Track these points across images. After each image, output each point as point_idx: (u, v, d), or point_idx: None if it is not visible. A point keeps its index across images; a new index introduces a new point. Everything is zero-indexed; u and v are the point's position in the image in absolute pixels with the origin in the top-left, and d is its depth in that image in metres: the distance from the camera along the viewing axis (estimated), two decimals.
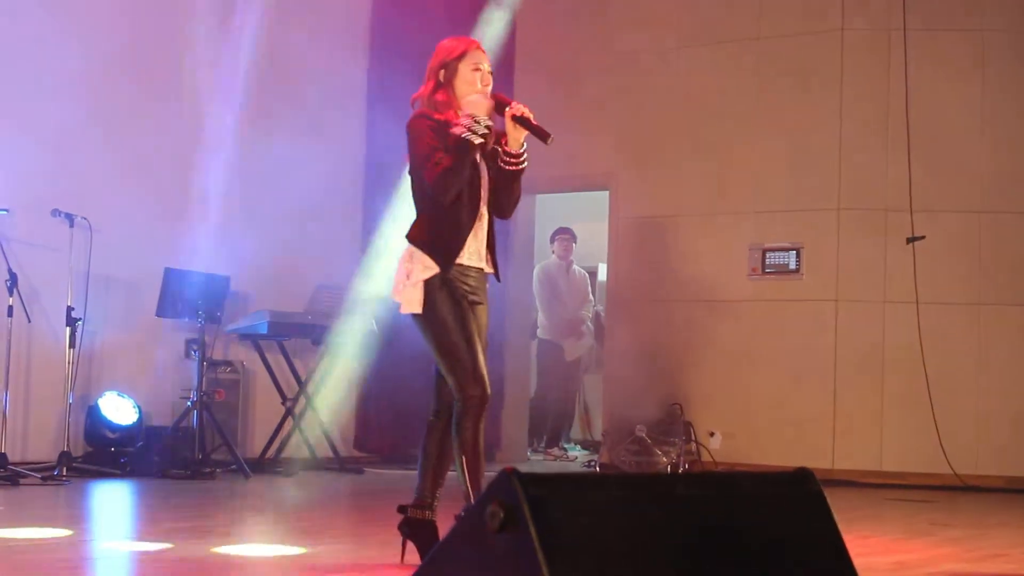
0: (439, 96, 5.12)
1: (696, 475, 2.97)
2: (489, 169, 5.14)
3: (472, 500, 4.94)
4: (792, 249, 10.43)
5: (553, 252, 12.67)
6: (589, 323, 12.74)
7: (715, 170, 10.73)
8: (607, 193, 11.38)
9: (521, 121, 5.03)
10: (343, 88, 10.74)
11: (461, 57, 5.14)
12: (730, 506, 2.90)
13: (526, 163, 5.12)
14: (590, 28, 11.43)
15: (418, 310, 4.99)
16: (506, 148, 5.09)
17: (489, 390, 5.01)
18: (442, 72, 5.13)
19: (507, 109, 5.05)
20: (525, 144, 5.09)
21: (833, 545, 2.94)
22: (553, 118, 10.83)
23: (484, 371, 5.00)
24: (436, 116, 5.07)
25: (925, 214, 10.02)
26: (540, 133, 5.04)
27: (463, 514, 4.97)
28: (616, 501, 2.79)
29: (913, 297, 9.94)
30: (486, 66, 5.17)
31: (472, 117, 4.94)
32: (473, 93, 5.08)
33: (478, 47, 5.20)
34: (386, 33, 10.80)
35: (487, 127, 4.96)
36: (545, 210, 12.34)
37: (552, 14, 11.61)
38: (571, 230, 12.64)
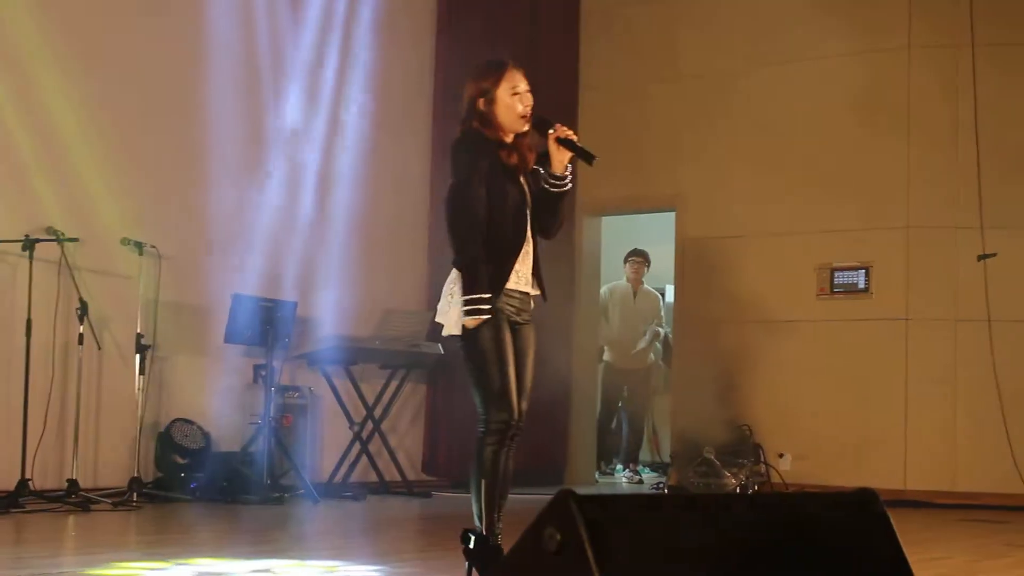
0: (487, 131, 5.09)
1: (757, 496, 2.94)
2: (531, 190, 5.13)
3: (488, 524, 4.94)
4: (861, 268, 10.34)
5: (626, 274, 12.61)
6: (646, 335, 12.58)
7: (782, 190, 10.67)
8: (673, 214, 11.34)
9: (566, 143, 5.00)
10: (407, 111, 10.81)
11: (498, 82, 5.10)
12: (792, 528, 2.86)
13: (570, 184, 5.09)
14: (656, 48, 11.42)
15: (458, 331, 5.00)
16: (550, 169, 5.07)
17: (516, 416, 4.99)
18: (481, 102, 5.09)
19: (550, 132, 5.02)
20: (569, 166, 5.06)
21: (898, 567, 2.89)
22: (618, 139, 10.98)
23: (513, 396, 4.99)
24: (486, 132, 5.07)
25: (996, 231, 9.89)
26: (585, 155, 5.00)
27: (467, 533, 4.97)
28: (674, 523, 2.77)
29: (985, 315, 9.80)
30: (523, 86, 5.11)
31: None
32: (516, 118, 5.06)
33: (513, 67, 5.15)
34: (451, 51, 10.82)
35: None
36: (612, 232, 12.31)
37: (618, 34, 11.62)
38: (645, 253, 12.54)
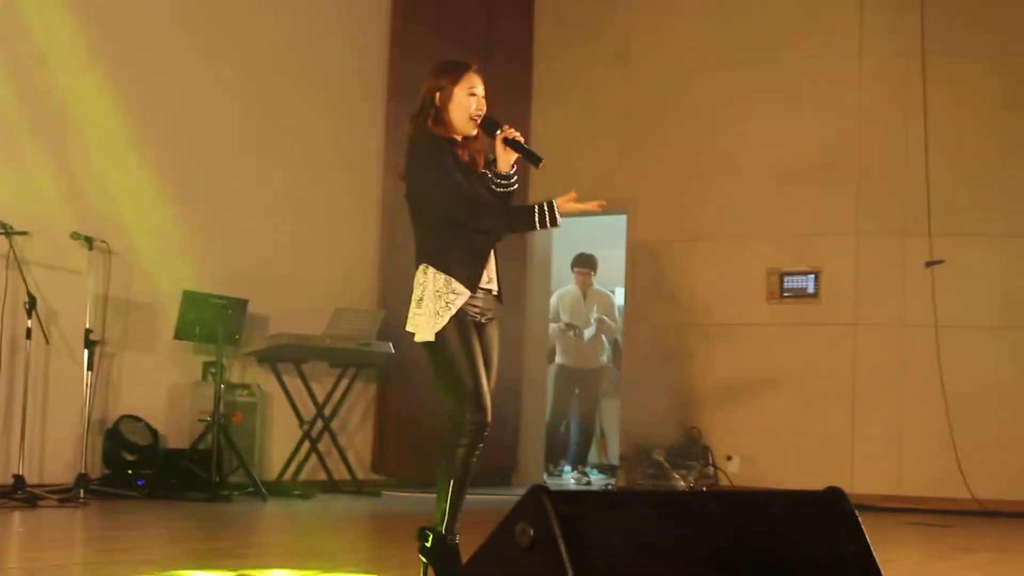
0: (436, 126, 5.11)
1: (727, 494, 2.95)
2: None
3: (449, 523, 4.93)
4: (810, 273, 10.41)
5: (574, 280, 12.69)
6: (592, 324, 12.59)
7: (732, 194, 10.72)
8: (624, 218, 11.36)
9: (512, 144, 5.02)
10: (360, 109, 10.78)
11: (456, 81, 5.12)
12: (762, 525, 2.88)
13: (516, 185, 5.11)
14: (608, 51, 11.44)
15: (430, 338, 4.97)
16: (495, 169, 5.09)
17: (490, 417, 4.98)
18: (437, 96, 5.11)
19: (498, 132, 5.04)
20: (515, 166, 5.08)
21: (866, 565, 2.91)
22: (570, 142, 11.00)
23: (487, 398, 4.98)
24: (437, 130, 5.09)
25: (944, 238, 9.99)
26: (532, 156, 5.02)
27: (425, 531, 4.96)
28: (647, 519, 2.77)
29: (932, 321, 9.90)
30: (480, 90, 5.14)
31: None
32: (466, 119, 5.08)
33: (474, 70, 5.17)
34: (405, 55, 10.78)
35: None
36: (564, 235, 12.31)
37: (570, 37, 11.63)
38: (590, 258, 12.56)
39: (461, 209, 4.99)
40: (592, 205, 5.03)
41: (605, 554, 2.69)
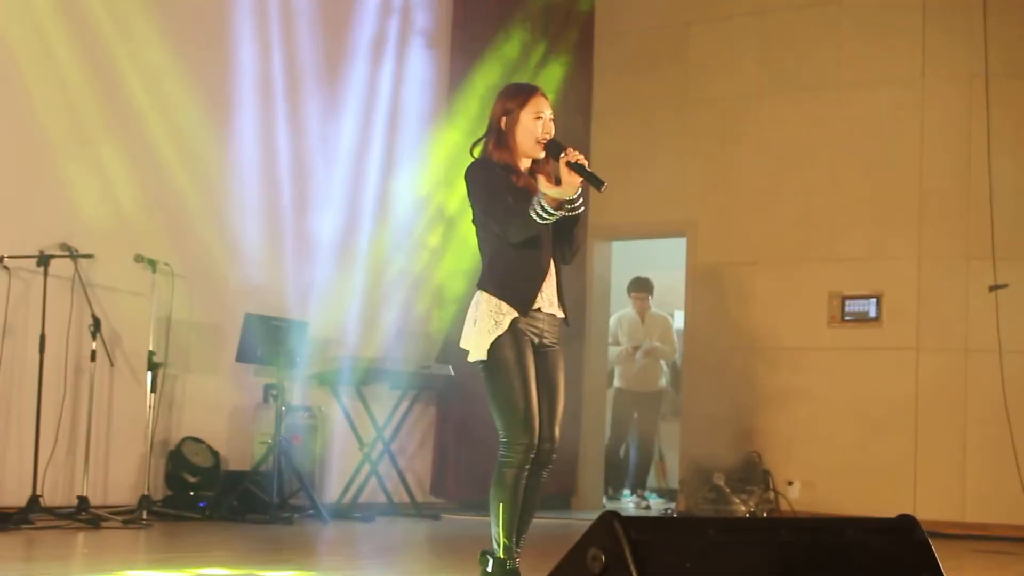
0: (500, 152, 5.12)
1: (798, 520, 2.92)
2: None
3: (507, 546, 4.92)
4: (872, 297, 10.33)
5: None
6: (637, 354, 12.50)
7: (794, 217, 10.67)
8: (684, 240, 11.33)
9: (576, 167, 5.02)
10: (420, 134, 10.82)
11: (523, 105, 5.13)
12: (833, 553, 2.85)
13: (582, 208, 5.10)
14: (669, 75, 11.43)
15: (483, 356, 4.99)
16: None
17: (537, 440, 4.97)
18: (504, 120, 5.13)
19: (562, 155, 5.04)
20: (580, 189, 5.07)
21: None
22: (631, 165, 10.98)
23: (536, 420, 4.97)
24: (496, 159, 5.10)
25: (1008, 261, 9.89)
26: (594, 180, 5.02)
27: (486, 556, 4.96)
28: (717, 545, 2.75)
29: (996, 346, 9.79)
30: (548, 113, 5.15)
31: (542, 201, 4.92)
32: (533, 142, 5.09)
33: (540, 94, 5.19)
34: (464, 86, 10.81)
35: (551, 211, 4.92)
36: (622, 257, 12.30)
37: (631, 61, 11.63)
38: (646, 283, 12.48)
39: (500, 223, 5.01)
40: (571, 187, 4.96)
41: None
